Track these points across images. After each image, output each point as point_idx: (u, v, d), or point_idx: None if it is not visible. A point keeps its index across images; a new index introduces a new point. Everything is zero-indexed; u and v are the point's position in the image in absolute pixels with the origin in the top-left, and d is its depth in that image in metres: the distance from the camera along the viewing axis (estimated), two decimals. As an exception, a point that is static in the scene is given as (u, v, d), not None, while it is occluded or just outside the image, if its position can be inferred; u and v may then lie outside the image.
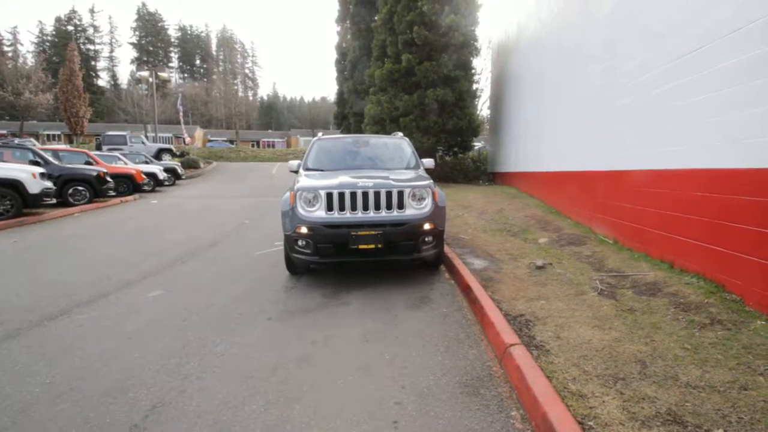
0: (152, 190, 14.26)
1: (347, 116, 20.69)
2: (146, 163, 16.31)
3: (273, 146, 51.95)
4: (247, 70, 70.52)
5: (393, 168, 4.90)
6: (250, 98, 68.32)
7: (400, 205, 3.89)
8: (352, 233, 3.74)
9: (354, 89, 17.37)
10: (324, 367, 2.45)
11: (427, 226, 3.91)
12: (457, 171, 15.25)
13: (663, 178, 3.99)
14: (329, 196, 3.84)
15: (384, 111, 13.72)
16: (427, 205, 3.97)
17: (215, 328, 3.06)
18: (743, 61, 3.02)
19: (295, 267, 4.34)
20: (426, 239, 3.94)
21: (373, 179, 3.99)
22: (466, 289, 3.60)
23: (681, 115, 3.78)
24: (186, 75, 68.25)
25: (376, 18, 14.92)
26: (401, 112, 13.59)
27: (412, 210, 3.92)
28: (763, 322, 2.58)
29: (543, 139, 8.30)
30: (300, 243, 3.88)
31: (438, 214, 4.02)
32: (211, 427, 1.90)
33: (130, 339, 2.90)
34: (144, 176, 13.32)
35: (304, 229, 3.82)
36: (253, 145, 49.64)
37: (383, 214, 3.84)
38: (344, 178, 4.06)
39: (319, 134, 5.59)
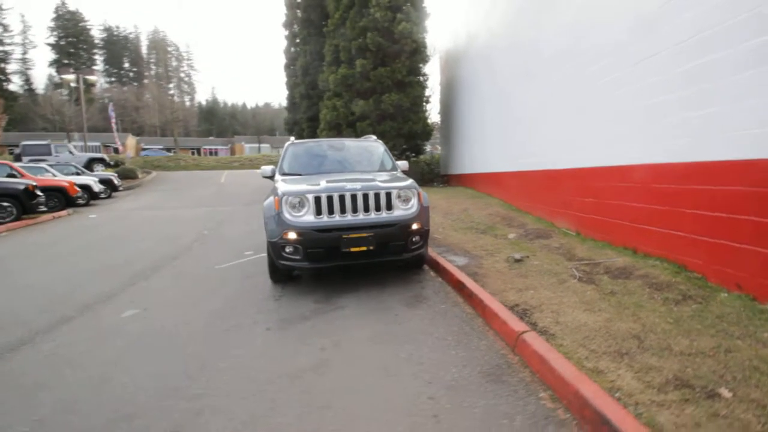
0: (87, 204, 13.01)
1: (299, 121, 20.38)
2: (77, 174, 14.84)
3: (216, 154, 49.57)
4: (182, 74, 66.71)
5: (371, 171, 4.91)
6: (187, 104, 64.64)
7: (389, 206, 3.92)
8: (344, 236, 3.70)
9: (306, 94, 17.17)
10: (343, 372, 2.41)
11: (415, 226, 3.97)
12: (413, 174, 15.54)
13: (622, 173, 4.41)
14: (317, 199, 3.77)
15: (340, 116, 13.70)
16: (413, 206, 4.04)
17: (211, 344, 2.88)
18: (676, 74, 3.45)
19: (278, 275, 4.20)
20: (414, 239, 4.00)
21: (359, 182, 3.98)
22: (458, 285, 3.71)
23: (631, 117, 4.21)
24: (113, 79, 62.93)
25: (327, 23, 14.87)
26: (357, 116, 13.65)
27: (400, 211, 3.96)
28: (726, 294, 2.94)
29: (502, 142, 8.76)
30: (287, 249, 3.76)
31: (423, 214, 4.10)
32: (245, 443, 1.80)
33: (114, 364, 2.64)
34: (78, 188, 12.10)
35: (292, 235, 3.71)
36: (193, 153, 47.03)
37: (373, 216, 3.84)
38: (328, 182, 4.01)
39: (291, 139, 5.49)
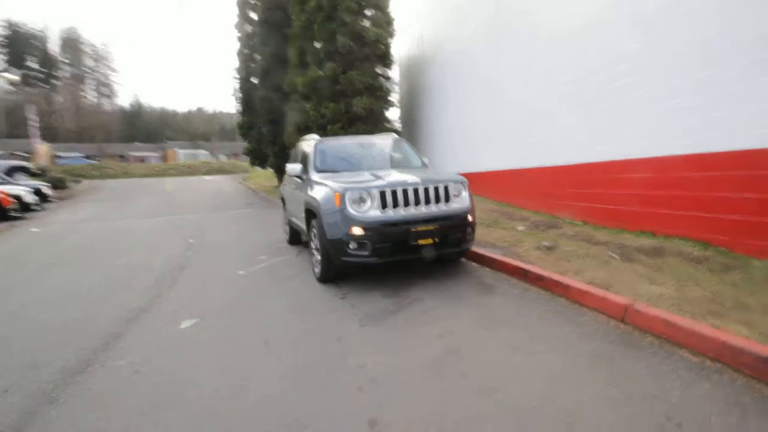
0: (19, 217, 11.34)
1: (254, 126, 19.55)
2: (1, 183, 12.86)
3: (145, 161, 45.60)
4: (100, 76, 60.62)
5: (406, 166, 4.97)
6: (108, 107, 58.86)
7: (447, 199, 4.02)
8: (412, 229, 3.73)
9: (268, 97, 16.56)
10: (482, 354, 2.46)
11: (469, 218, 4.12)
12: None
13: (635, 166, 4.94)
14: (383, 194, 3.76)
15: (310, 118, 13.46)
16: (465, 198, 4.18)
17: (313, 346, 2.75)
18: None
19: (331, 274, 4.09)
20: (468, 230, 4.14)
21: (411, 176, 4.03)
22: (519, 271, 3.90)
23: (645, 119, 4.77)
24: (18, 80, 55.20)
25: (291, 25, 14.56)
26: (328, 119, 13.51)
27: (456, 203, 4.08)
28: (758, 261, 3.46)
29: (490, 142, 9.21)
30: (352, 245, 3.69)
31: (473, 206, 4.26)
32: None
33: (228, 374, 2.43)
34: (11, 199, 10.51)
35: (358, 230, 3.66)
36: (120, 160, 42.93)
37: (434, 209, 3.92)
38: (381, 177, 4.02)
39: (315, 136, 5.34)
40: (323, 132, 13.49)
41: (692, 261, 3.73)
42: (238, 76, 19.81)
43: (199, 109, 72.00)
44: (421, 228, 3.76)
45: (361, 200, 3.75)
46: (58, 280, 4.83)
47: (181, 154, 47.50)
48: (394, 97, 14.82)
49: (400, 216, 3.75)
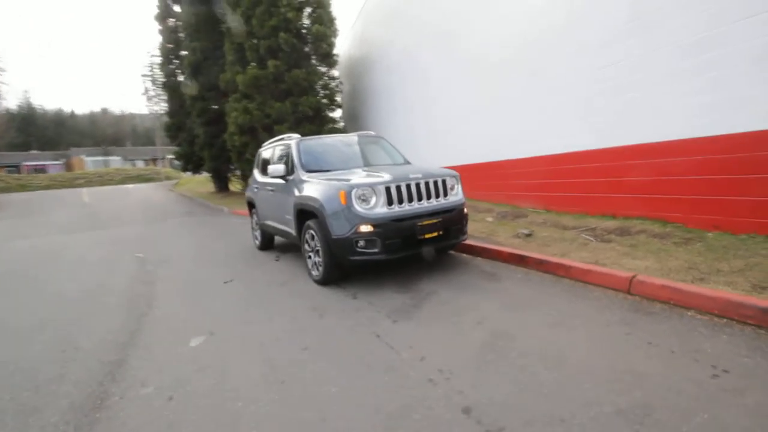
0: None
1: (184, 127, 18.10)
2: None
3: (44, 170, 39.88)
4: (-24, 72, 51.67)
5: (391, 163, 5.01)
6: (-11, 110, 50.47)
7: (445, 193, 4.14)
8: (418, 223, 3.78)
9: (200, 95, 15.43)
10: (530, 334, 2.59)
11: (465, 210, 4.28)
12: None
13: (588, 157, 5.50)
14: (388, 189, 3.76)
15: (254, 118, 12.84)
16: (459, 192, 4.34)
17: (357, 347, 2.70)
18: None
19: (335, 275, 3.99)
20: (464, 222, 4.30)
21: (413, 171, 4.09)
22: (515, 258, 4.15)
23: (597, 115, 5.34)
24: None
25: (225, 18, 13.72)
26: (274, 119, 13.00)
27: (453, 196, 4.22)
28: (711, 234, 4.07)
29: (448, 140, 9.54)
30: (360, 243, 3.65)
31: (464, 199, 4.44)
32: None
33: (285, 405, 2.28)
34: None
35: (366, 228, 3.63)
36: (12, 171, 37.13)
37: (435, 202, 4.01)
38: (380, 173, 4.03)
39: (295, 136, 5.14)
40: (268, 133, 12.97)
41: (657, 237, 4.27)
42: (161, 73, 18.16)
43: (104, 111, 64.82)
44: (427, 222, 3.84)
45: (368, 197, 3.72)
46: (3, 314, 4.10)
47: (89, 161, 42.38)
48: (338, 97, 14.71)
49: (407, 211, 3.79)
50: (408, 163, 5.22)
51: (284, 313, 3.43)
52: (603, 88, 5.27)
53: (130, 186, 28.54)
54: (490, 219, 6.63)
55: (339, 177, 4.10)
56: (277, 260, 5.50)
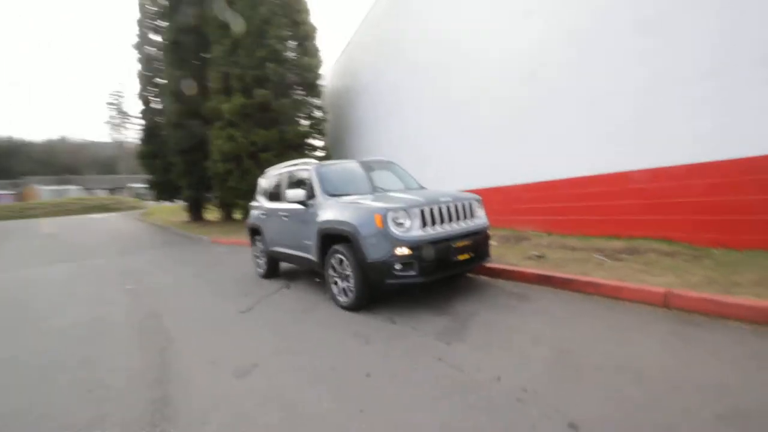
0: None
1: (159, 154, 17.55)
2: None
3: (-6, 201, 37.03)
4: None
5: (407, 188, 5.07)
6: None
7: (472, 215, 4.23)
8: (453, 246, 3.82)
9: (180, 124, 15.12)
10: (594, 349, 2.63)
11: (489, 232, 4.38)
12: None
13: (590, 182, 5.82)
14: (423, 212, 3.80)
15: (240, 146, 12.69)
16: (482, 214, 4.45)
17: (424, 373, 2.64)
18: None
19: (366, 301, 3.91)
20: (490, 243, 4.38)
21: (442, 195, 4.16)
22: (541, 279, 4.25)
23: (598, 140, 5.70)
24: None
25: (211, 49, 13.74)
26: (260, 147, 12.90)
27: (478, 219, 4.31)
28: (716, 251, 4.35)
29: (440, 166, 9.78)
30: (398, 266, 3.63)
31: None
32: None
33: None
34: None
35: (403, 250, 3.63)
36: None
37: (464, 225, 4.08)
38: (407, 195, 4.09)
39: (310, 161, 5.12)
40: (254, 161, 12.84)
41: (667, 255, 4.52)
42: (139, 100, 17.71)
43: (63, 139, 61.83)
44: (460, 244, 3.88)
45: (402, 220, 3.73)
46: (6, 354, 3.69)
47: (45, 191, 39.87)
48: (323, 126, 14.86)
49: (441, 233, 3.83)
50: (423, 187, 5.30)
51: (325, 340, 3.30)
52: (605, 118, 5.67)
53: (96, 216, 26.96)
54: (494, 242, 6.75)
55: (366, 201, 4.10)
56: (288, 288, 5.32)
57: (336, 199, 4.40)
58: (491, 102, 7.58)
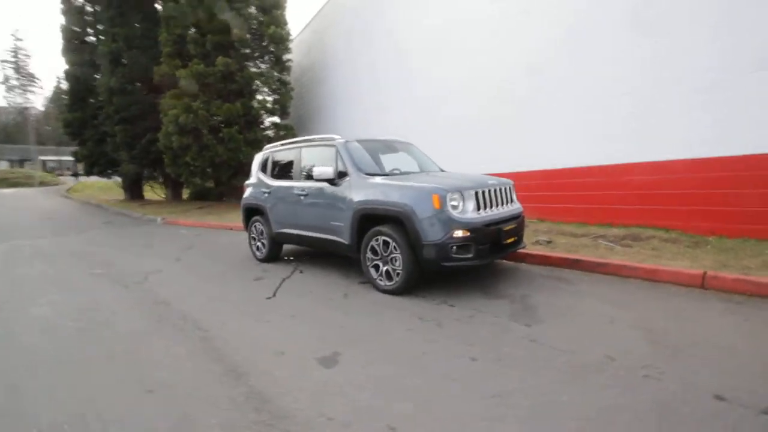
0: None
1: (88, 123, 15.37)
2: None
3: None
4: None
5: (429, 170, 4.95)
6: None
7: (511, 199, 4.26)
8: (503, 229, 3.82)
9: (121, 89, 13.35)
10: (671, 327, 2.78)
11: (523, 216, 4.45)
12: None
13: (591, 172, 6.18)
14: (476, 194, 3.74)
15: (199, 119, 11.55)
16: (516, 199, 4.50)
17: (525, 354, 2.61)
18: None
19: (415, 281, 3.77)
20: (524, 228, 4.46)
21: (485, 179, 4.13)
22: (568, 262, 4.43)
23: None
24: None
25: (162, 6, 12.22)
26: (223, 120, 11.86)
27: (516, 203, 4.35)
28: (711, 238, 4.86)
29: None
30: (454, 248, 3.54)
31: (516, 206, 4.62)
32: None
33: None
34: None
35: (459, 233, 3.54)
36: None
37: (509, 208, 4.10)
38: (455, 177, 4.01)
39: (335, 136, 4.75)
40: (214, 136, 11.81)
41: (669, 242, 4.96)
42: (65, 59, 15.25)
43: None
44: (507, 227, 3.89)
45: (458, 201, 3.63)
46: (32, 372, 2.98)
47: None
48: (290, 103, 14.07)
49: (493, 216, 3.80)
50: (442, 170, 5.23)
51: (392, 326, 3.12)
52: (603, 113, 6.01)
53: (7, 191, 23.01)
54: (489, 228, 6.93)
55: (416, 181, 3.93)
56: (301, 272, 4.98)
57: (373, 178, 4.16)
58: (488, 91, 7.67)
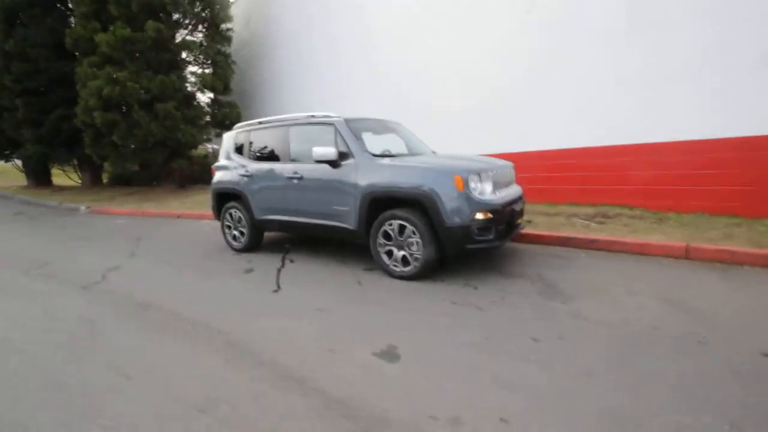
0: None
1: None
2: None
3: None
4: None
5: (422, 152, 4.84)
6: None
7: (513, 181, 4.34)
8: (515, 209, 3.88)
9: (21, 53, 11.14)
10: (694, 293, 3.05)
11: (522, 198, 4.58)
12: (194, 175, 13.34)
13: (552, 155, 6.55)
14: (492, 176, 3.74)
15: (128, 92, 10.10)
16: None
17: (570, 334, 2.68)
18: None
19: (428, 269, 3.69)
20: (522, 209, 4.59)
21: (494, 160, 4.15)
22: (560, 240, 4.67)
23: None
24: None
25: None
26: (155, 95, 10.49)
27: (517, 185, 4.45)
28: (671, 215, 5.44)
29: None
30: (476, 231, 3.53)
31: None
32: None
33: None
34: None
35: (481, 215, 3.53)
36: None
37: (516, 189, 4.18)
38: (464, 158, 3.98)
39: (330, 114, 4.40)
40: (147, 111, 10.46)
41: (636, 218, 5.46)
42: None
43: None
44: (518, 208, 3.97)
45: (476, 183, 3.60)
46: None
47: None
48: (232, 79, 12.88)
49: (507, 197, 3.84)
50: (434, 152, 5.16)
51: (431, 311, 3.02)
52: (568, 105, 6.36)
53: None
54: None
55: (433, 162, 3.81)
56: (292, 262, 4.64)
57: (381, 159, 3.96)
58: (464, 79, 7.69)
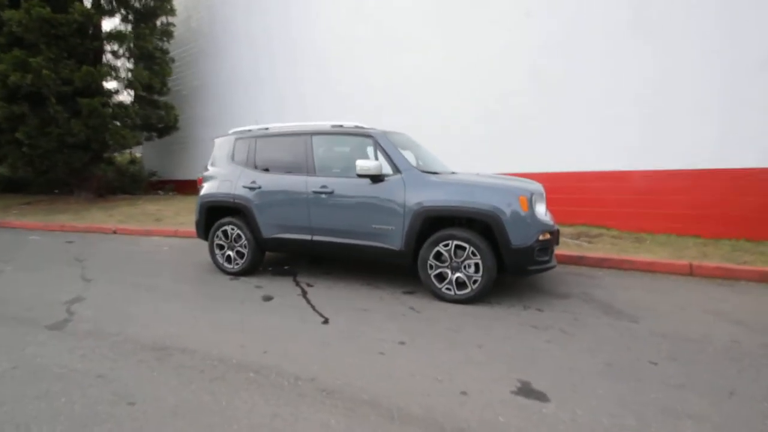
0: None
1: None
2: None
3: None
4: None
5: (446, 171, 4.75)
6: None
7: (542, 202, 4.44)
8: (558, 230, 3.94)
9: None
10: (736, 301, 3.34)
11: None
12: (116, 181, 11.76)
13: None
14: (543, 197, 3.77)
15: (42, 81, 8.35)
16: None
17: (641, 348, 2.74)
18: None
19: (485, 293, 3.53)
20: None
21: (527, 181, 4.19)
22: (572, 259, 4.88)
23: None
24: None
25: None
26: (78, 89, 8.83)
27: (542, 206, 4.55)
28: (646, 235, 6.06)
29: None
30: (538, 252, 3.50)
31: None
32: None
33: None
34: None
35: (545, 236, 3.54)
36: None
37: (548, 211, 4.26)
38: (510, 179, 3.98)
39: (366, 126, 4.04)
40: (66, 105, 8.77)
41: (617, 238, 5.98)
42: None
43: None
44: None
45: (536, 204, 3.59)
46: None
47: None
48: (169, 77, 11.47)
49: (552, 218, 3.89)
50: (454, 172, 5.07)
51: (523, 338, 2.85)
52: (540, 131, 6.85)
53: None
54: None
55: (489, 181, 3.73)
56: (311, 286, 4.11)
57: (431, 176, 3.74)
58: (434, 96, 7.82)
